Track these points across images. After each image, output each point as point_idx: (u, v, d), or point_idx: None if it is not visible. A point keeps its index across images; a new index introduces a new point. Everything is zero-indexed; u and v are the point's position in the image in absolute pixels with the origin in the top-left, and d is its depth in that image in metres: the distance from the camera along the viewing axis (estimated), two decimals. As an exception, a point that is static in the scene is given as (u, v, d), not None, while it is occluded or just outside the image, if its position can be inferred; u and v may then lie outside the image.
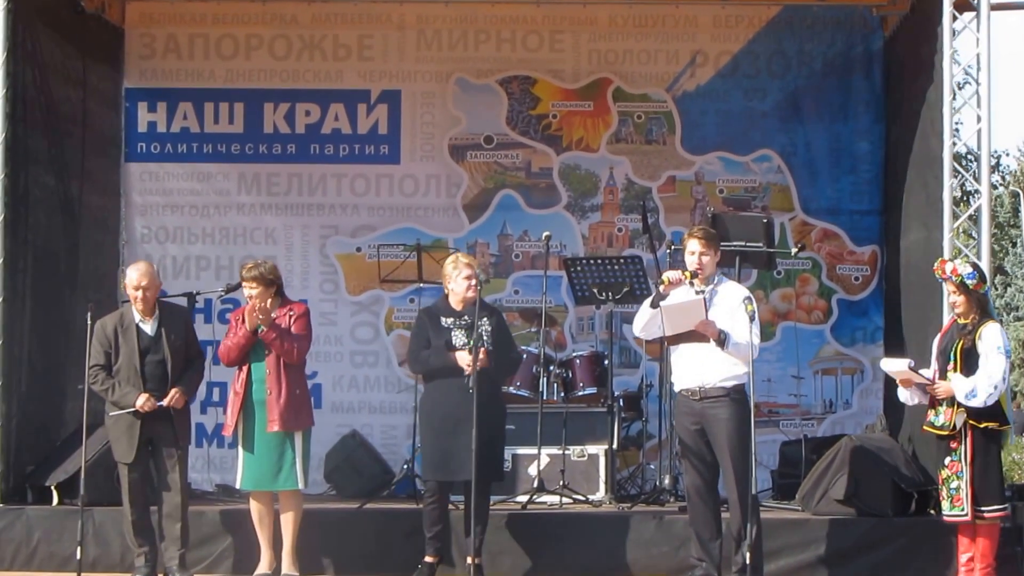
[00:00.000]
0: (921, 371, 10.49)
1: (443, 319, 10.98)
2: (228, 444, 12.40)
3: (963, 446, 10.24)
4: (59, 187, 13.19)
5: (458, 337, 10.86)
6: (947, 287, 10.55)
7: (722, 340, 10.21)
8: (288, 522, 11.04)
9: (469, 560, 10.85)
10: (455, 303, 11.02)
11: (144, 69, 14.88)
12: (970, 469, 10.22)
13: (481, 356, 10.66)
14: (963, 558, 10.43)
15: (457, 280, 10.99)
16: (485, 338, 10.80)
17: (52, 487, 11.94)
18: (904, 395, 10.58)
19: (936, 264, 10.64)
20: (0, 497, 11.94)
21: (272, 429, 10.90)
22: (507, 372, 11.55)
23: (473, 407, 10.45)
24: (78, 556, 10.51)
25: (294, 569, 11.03)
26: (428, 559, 10.96)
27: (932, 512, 11.39)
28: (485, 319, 10.87)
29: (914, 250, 12.71)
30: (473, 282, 10.93)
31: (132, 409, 10.83)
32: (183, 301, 12.54)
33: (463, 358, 10.73)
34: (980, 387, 10.12)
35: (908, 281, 13.01)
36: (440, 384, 10.93)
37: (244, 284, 11.09)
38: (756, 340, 10.23)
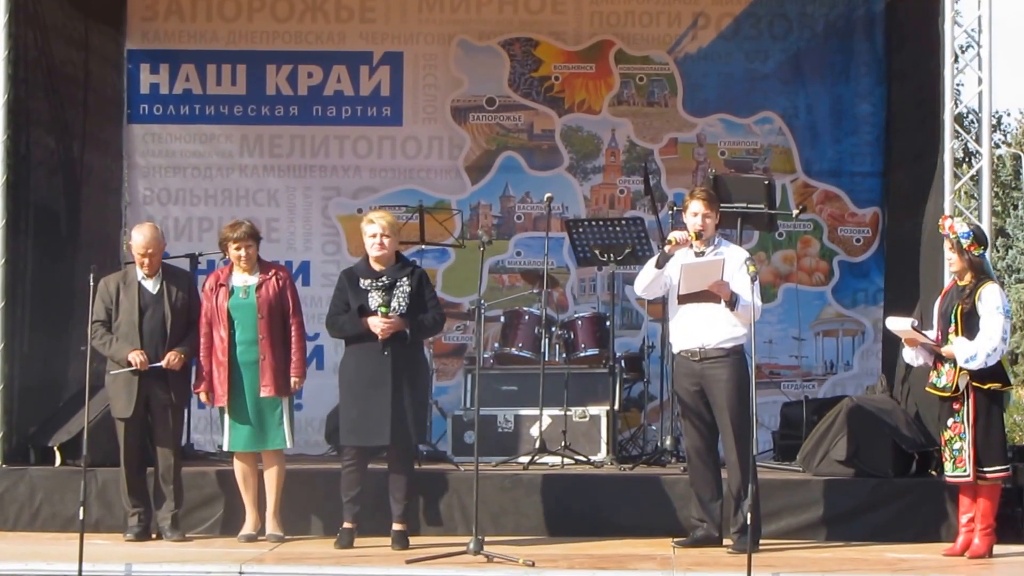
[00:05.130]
0: (925, 332, 10.51)
1: (361, 280, 10.81)
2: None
3: (965, 407, 10.27)
4: (61, 149, 13.17)
5: (374, 299, 10.71)
6: (946, 243, 10.56)
7: (733, 302, 10.25)
8: (272, 481, 11.06)
9: (396, 526, 10.87)
10: (373, 263, 10.87)
11: (147, 31, 14.85)
12: (972, 430, 10.24)
13: (395, 321, 10.64)
14: (964, 519, 10.47)
15: (365, 239, 10.87)
16: (403, 302, 10.72)
17: (55, 448, 11.96)
18: (909, 355, 10.59)
19: (940, 220, 10.67)
20: (2, 458, 11.95)
21: (267, 394, 10.94)
22: (424, 335, 11.10)
23: (388, 372, 10.57)
24: (81, 516, 10.52)
25: (278, 529, 11.06)
26: (346, 525, 10.88)
27: (933, 473, 11.40)
28: (405, 279, 10.79)
29: (916, 212, 12.70)
30: (377, 240, 10.76)
31: (130, 369, 10.89)
32: (186, 262, 12.60)
33: (375, 323, 10.64)
34: (980, 350, 10.15)
35: (911, 243, 12.99)
36: (357, 348, 10.81)
37: (234, 244, 11.03)
38: (758, 301, 10.26)
